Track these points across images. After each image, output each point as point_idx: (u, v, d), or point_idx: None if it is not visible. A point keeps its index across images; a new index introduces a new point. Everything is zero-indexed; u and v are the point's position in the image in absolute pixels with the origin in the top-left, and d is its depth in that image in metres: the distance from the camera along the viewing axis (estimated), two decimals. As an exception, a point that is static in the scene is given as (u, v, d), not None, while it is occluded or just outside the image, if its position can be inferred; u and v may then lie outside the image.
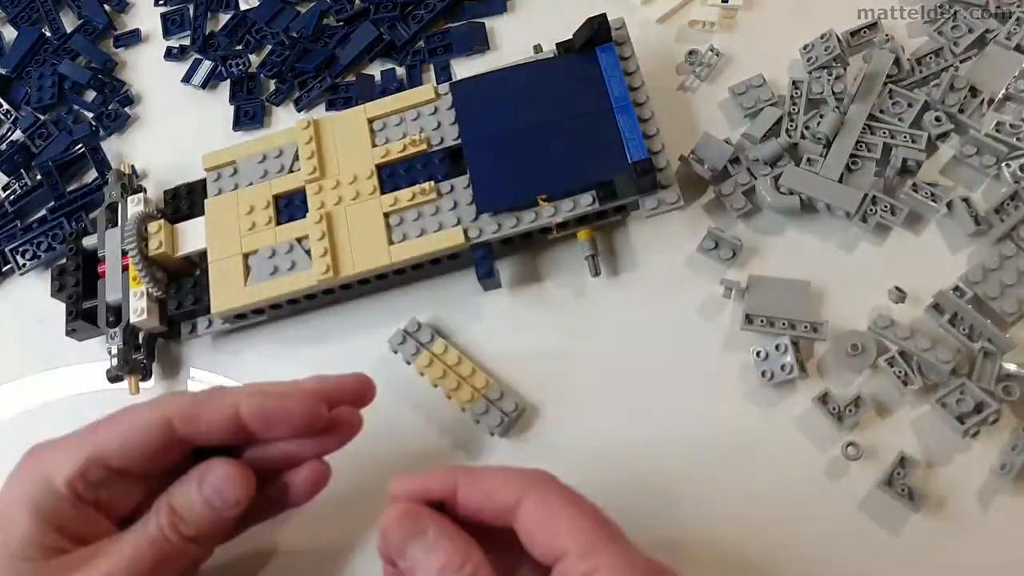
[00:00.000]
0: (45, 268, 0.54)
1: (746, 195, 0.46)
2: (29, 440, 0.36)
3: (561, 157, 0.44)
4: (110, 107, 0.58)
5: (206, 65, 0.58)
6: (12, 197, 0.56)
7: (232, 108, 0.56)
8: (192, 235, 0.47)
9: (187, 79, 0.58)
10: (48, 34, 0.62)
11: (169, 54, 0.59)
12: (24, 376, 0.51)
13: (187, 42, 0.60)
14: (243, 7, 0.60)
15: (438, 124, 0.47)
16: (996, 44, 0.47)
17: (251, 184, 0.48)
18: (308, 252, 0.45)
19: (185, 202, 0.49)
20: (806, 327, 0.42)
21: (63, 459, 0.33)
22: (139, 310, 0.46)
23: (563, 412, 0.44)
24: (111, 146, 0.57)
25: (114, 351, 0.46)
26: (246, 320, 0.47)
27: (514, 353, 0.45)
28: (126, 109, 0.58)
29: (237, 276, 0.45)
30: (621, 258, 0.46)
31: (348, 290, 0.46)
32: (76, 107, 0.59)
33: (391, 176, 0.46)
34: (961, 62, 0.47)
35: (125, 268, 0.47)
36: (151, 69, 0.60)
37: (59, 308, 0.49)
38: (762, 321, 0.42)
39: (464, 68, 0.55)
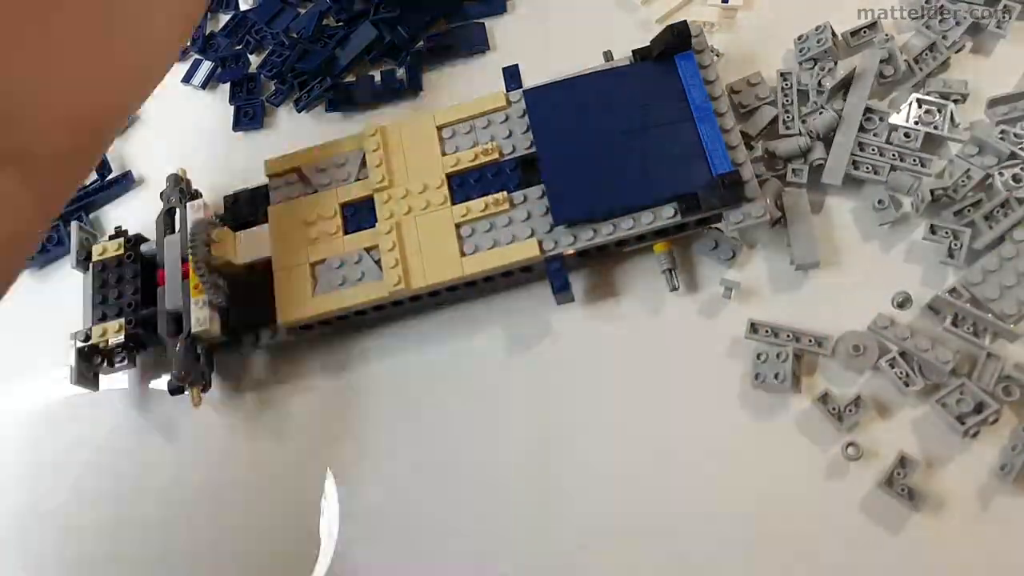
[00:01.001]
0: (40, 268, 0.54)
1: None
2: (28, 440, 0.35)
3: (640, 168, 0.43)
4: None
5: (206, 65, 0.58)
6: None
7: (232, 108, 0.56)
8: (255, 242, 0.46)
9: (187, 79, 0.58)
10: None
11: (169, 54, 0.59)
12: (24, 374, 0.51)
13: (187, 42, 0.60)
14: (243, 7, 0.60)
15: (509, 132, 0.46)
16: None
17: (316, 192, 0.47)
18: (378, 263, 0.44)
19: (247, 208, 0.48)
20: (811, 340, 0.42)
21: None
22: (202, 319, 0.44)
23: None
24: (111, 146, 0.57)
25: (174, 361, 0.45)
26: (310, 331, 0.46)
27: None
28: (125, 110, 0.58)
29: (304, 286, 0.44)
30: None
31: (416, 302, 0.45)
32: None
33: (461, 185, 0.45)
34: (958, 51, 0.47)
35: (185, 276, 0.46)
36: (151, 69, 0.60)
37: (61, 308, 0.49)
38: (767, 331, 0.42)
39: (464, 68, 0.55)
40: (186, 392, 0.45)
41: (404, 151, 0.47)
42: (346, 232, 0.45)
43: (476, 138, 0.46)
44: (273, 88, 0.57)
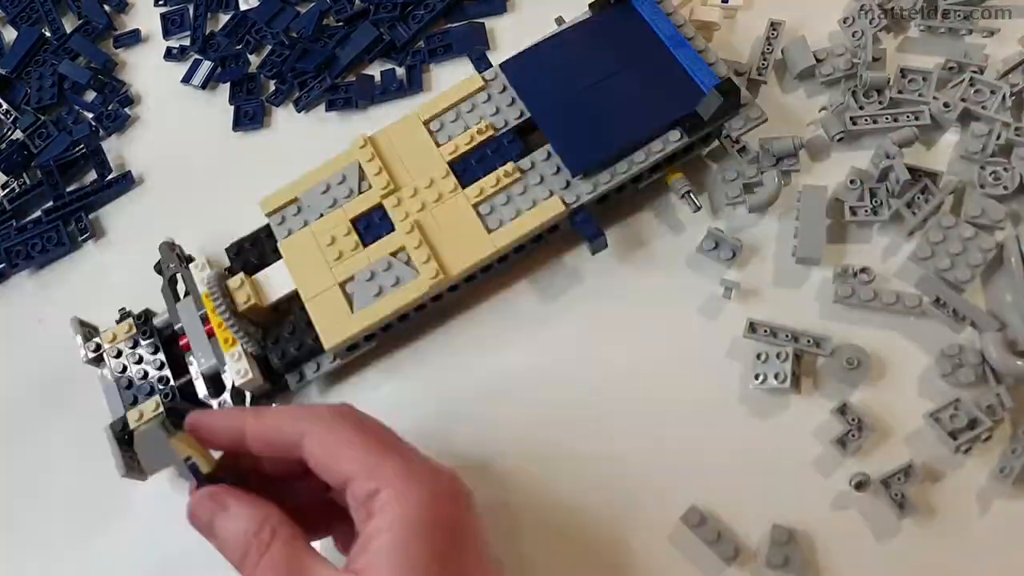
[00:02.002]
0: (38, 268, 0.54)
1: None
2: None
3: (634, 104, 0.45)
4: (110, 107, 0.58)
5: (206, 65, 0.58)
6: (10, 196, 0.56)
7: (232, 108, 0.56)
8: (275, 281, 0.46)
9: (187, 79, 0.58)
10: (48, 34, 0.62)
11: (169, 54, 0.59)
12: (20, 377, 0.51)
13: (187, 42, 0.60)
14: (243, 7, 0.60)
15: (496, 109, 0.47)
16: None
17: (321, 216, 0.46)
18: (408, 263, 0.44)
19: (252, 254, 0.47)
20: (809, 340, 0.42)
21: None
22: (242, 371, 0.43)
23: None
24: (111, 146, 0.57)
25: None
26: (356, 351, 0.45)
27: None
28: (126, 109, 0.58)
29: (340, 307, 0.44)
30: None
31: (454, 291, 0.45)
32: (76, 107, 0.59)
33: (466, 170, 0.46)
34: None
35: (211, 334, 0.45)
36: (151, 69, 0.60)
37: (57, 307, 0.49)
38: (765, 331, 0.42)
39: (464, 68, 0.55)
40: None
41: (399, 153, 0.47)
42: (365, 244, 0.45)
43: (465, 122, 0.47)
44: (273, 88, 0.57)
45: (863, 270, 0.43)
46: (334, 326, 0.43)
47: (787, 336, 0.42)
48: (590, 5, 0.48)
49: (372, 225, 0.46)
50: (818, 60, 0.48)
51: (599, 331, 0.45)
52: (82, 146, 0.56)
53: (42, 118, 0.59)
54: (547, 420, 0.44)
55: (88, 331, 0.48)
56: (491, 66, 0.48)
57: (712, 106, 0.43)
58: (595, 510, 0.42)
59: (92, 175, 0.56)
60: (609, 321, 0.46)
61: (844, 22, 0.50)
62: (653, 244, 0.47)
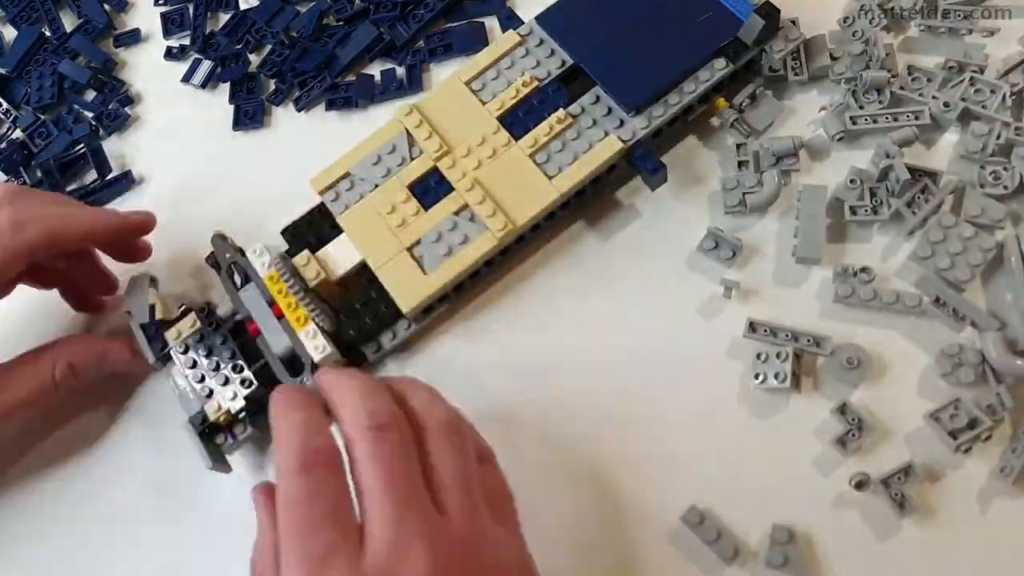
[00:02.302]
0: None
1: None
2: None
3: (675, 39, 0.46)
4: (110, 107, 0.58)
5: (206, 65, 0.58)
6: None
7: (232, 108, 0.56)
8: (340, 255, 0.46)
9: (187, 79, 0.58)
10: (48, 34, 0.62)
11: (169, 54, 0.59)
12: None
13: (187, 42, 0.60)
14: (243, 7, 0.60)
15: (536, 62, 0.48)
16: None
17: (376, 187, 0.47)
18: (472, 220, 0.45)
19: (310, 234, 0.47)
20: (809, 340, 0.42)
21: None
22: (320, 347, 0.43)
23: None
24: (111, 146, 0.57)
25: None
26: (431, 314, 0.46)
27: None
28: (126, 109, 0.58)
29: (412, 271, 0.44)
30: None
31: (520, 243, 0.46)
32: (76, 107, 0.59)
33: (515, 123, 0.47)
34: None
35: (280, 316, 0.44)
36: (151, 69, 0.60)
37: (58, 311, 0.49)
38: (765, 331, 0.42)
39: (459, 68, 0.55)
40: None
41: (446, 117, 0.47)
42: (426, 208, 0.46)
43: (507, 79, 0.48)
44: (273, 87, 0.57)
45: (863, 270, 0.43)
46: (408, 290, 0.44)
47: (787, 336, 0.42)
48: None
49: (429, 189, 0.46)
50: (833, 59, 0.48)
51: (597, 330, 0.45)
52: (82, 146, 0.56)
53: (42, 118, 0.59)
54: (546, 418, 0.44)
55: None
56: (523, 23, 0.50)
57: (755, 29, 0.45)
58: (594, 509, 0.42)
59: (92, 175, 0.56)
60: (607, 320, 0.45)
61: (844, 21, 0.50)
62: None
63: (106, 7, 0.62)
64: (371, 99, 0.54)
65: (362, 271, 0.46)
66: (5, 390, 0.43)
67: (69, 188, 0.56)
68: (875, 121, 0.46)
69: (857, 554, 0.39)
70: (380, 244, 0.45)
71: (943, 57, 0.47)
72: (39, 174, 0.56)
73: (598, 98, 0.46)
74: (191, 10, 0.61)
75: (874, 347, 0.42)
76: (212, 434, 0.45)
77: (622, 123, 0.46)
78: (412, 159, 0.47)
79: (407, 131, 0.47)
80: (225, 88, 0.57)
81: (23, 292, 0.47)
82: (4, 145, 0.58)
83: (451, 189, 0.46)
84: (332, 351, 0.43)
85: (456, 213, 0.45)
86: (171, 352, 0.46)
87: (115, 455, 0.48)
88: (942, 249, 0.42)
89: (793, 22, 0.47)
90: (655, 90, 0.45)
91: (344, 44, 0.56)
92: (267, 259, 0.45)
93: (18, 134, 0.58)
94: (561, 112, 0.46)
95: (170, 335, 0.46)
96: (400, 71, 0.55)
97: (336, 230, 0.47)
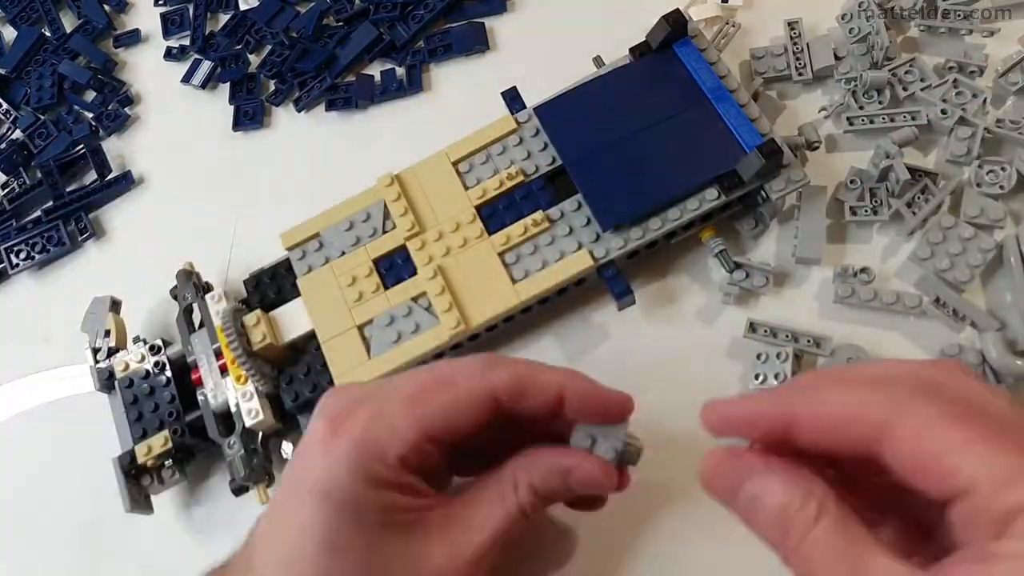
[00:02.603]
0: (39, 268, 0.54)
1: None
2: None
3: (672, 158, 0.44)
4: (110, 107, 0.58)
5: (206, 65, 0.58)
6: (11, 195, 0.56)
7: (232, 108, 0.56)
8: (292, 319, 0.45)
9: (187, 79, 0.58)
10: (48, 34, 0.62)
11: (169, 54, 0.59)
12: (23, 376, 0.51)
13: (187, 42, 0.60)
14: (243, 7, 0.60)
15: (528, 153, 0.46)
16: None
17: (343, 253, 0.45)
18: (429, 310, 0.43)
19: (271, 288, 0.46)
20: (809, 340, 0.42)
21: (390, 435, 0.31)
22: (253, 412, 0.42)
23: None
24: (111, 146, 0.57)
25: (234, 460, 0.42)
26: None
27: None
28: (126, 109, 0.58)
29: (357, 351, 0.43)
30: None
31: (475, 340, 0.44)
32: (76, 107, 0.59)
33: (493, 215, 0.45)
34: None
35: (224, 371, 0.44)
36: (151, 69, 0.60)
37: (57, 311, 0.49)
38: (765, 331, 0.42)
39: (465, 68, 0.55)
40: (251, 490, 0.42)
41: (426, 194, 0.46)
42: (387, 287, 0.44)
43: (495, 165, 0.46)
44: (273, 88, 0.57)
45: (863, 270, 0.43)
46: (350, 371, 0.42)
47: (787, 336, 0.42)
48: (630, 50, 0.47)
49: (395, 267, 0.45)
50: (838, 58, 0.48)
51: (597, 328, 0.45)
52: (82, 146, 0.56)
53: (42, 118, 0.59)
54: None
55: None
56: (524, 107, 0.47)
57: (753, 167, 0.41)
58: (593, 512, 0.42)
59: (92, 175, 0.56)
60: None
61: (843, 18, 0.50)
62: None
63: (106, 8, 0.62)
64: (371, 99, 0.54)
65: (313, 336, 0.44)
66: (468, 529, 0.32)
67: (69, 188, 0.56)
68: (872, 122, 0.46)
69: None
70: (333, 316, 0.44)
71: (943, 57, 0.47)
72: (38, 174, 0.56)
73: (580, 205, 0.44)
74: (191, 10, 0.61)
75: (874, 347, 0.42)
76: (139, 475, 0.44)
77: (598, 237, 0.43)
78: (384, 232, 0.45)
79: (385, 202, 0.46)
80: (225, 88, 0.57)
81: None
82: (4, 145, 0.58)
83: (415, 272, 0.44)
84: (264, 418, 0.42)
85: (414, 299, 0.43)
86: (115, 383, 0.45)
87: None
88: (941, 250, 0.42)
89: (792, 24, 0.47)
90: (637, 212, 0.43)
91: (344, 44, 0.56)
92: (222, 308, 0.44)
93: (18, 134, 0.58)
94: (540, 214, 0.44)
95: (118, 365, 0.46)
96: (400, 71, 0.55)
97: (298, 289, 0.45)
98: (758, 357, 0.42)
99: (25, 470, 0.48)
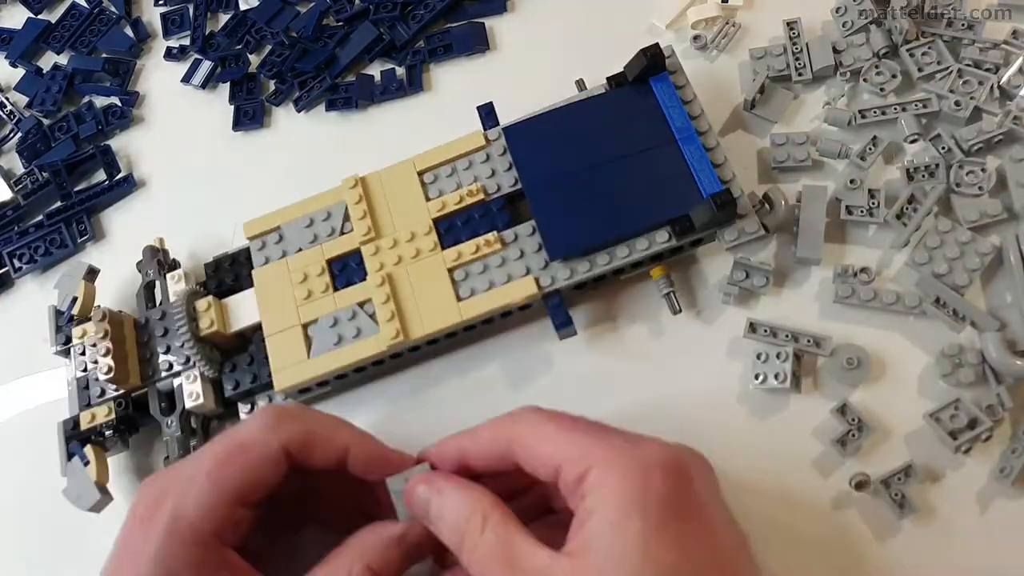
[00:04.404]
0: (42, 271, 0.54)
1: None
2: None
3: (629, 195, 0.43)
4: (121, 97, 0.58)
5: (206, 65, 0.58)
6: (24, 191, 0.56)
7: (232, 108, 0.56)
8: (243, 309, 0.45)
9: (187, 79, 0.58)
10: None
11: (169, 54, 0.60)
12: (22, 378, 0.51)
13: (187, 42, 0.60)
14: (243, 7, 0.60)
15: (492, 172, 0.45)
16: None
17: (300, 250, 0.45)
18: (372, 317, 0.43)
19: (229, 274, 0.47)
20: (809, 340, 0.42)
21: (199, 513, 0.33)
22: (194, 394, 0.43)
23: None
24: (112, 145, 0.57)
25: (170, 440, 0.43)
26: (310, 393, 0.45)
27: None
28: (130, 108, 0.58)
29: (298, 348, 0.43)
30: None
31: (416, 351, 0.44)
32: (90, 96, 0.59)
33: (450, 230, 0.44)
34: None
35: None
36: (151, 69, 0.60)
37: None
38: (765, 331, 0.42)
39: (465, 68, 0.55)
40: None
41: (387, 200, 0.46)
42: (336, 288, 0.44)
43: (459, 180, 0.46)
44: (273, 88, 0.57)
45: (863, 270, 0.43)
46: (288, 368, 0.43)
47: (787, 336, 0.42)
48: (608, 79, 0.46)
49: (347, 269, 0.45)
50: (837, 52, 0.49)
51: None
52: (91, 147, 0.56)
53: (45, 122, 0.58)
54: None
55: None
56: (498, 124, 0.47)
57: (705, 215, 0.41)
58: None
59: (92, 178, 0.56)
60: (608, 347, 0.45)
61: (836, 11, 0.50)
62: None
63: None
64: (371, 99, 0.54)
65: (260, 328, 0.44)
66: None
67: (76, 189, 0.56)
68: (884, 112, 0.46)
69: (857, 554, 0.39)
70: (280, 311, 0.44)
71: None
72: (44, 175, 0.56)
73: (534, 231, 0.44)
74: (191, 10, 0.61)
75: (874, 347, 0.42)
76: (81, 443, 0.44)
77: (547, 265, 0.43)
78: (342, 233, 0.45)
79: (347, 204, 0.46)
80: (225, 88, 0.57)
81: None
82: (22, 133, 0.58)
83: (365, 277, 0.44)
84: (204, 402, 0.43)
85: (361, 304, 0.43)
86: (70, 348, 0.46)
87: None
88: (939, 254, 0.42)
89: (791, 24, 0.47)
90: (586, 246, 0.42)
91: (344, 44, 0.56)
92: (180, 289, 0.45)
93: (28, 125, 0.58)
94: (493, 235, 0.43)
95: (76, 331, 0.46)
96: (400, 71, 0.55)
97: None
98: (758, 357, 0.42)
99: (26, 470, 0.48)
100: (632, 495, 0.29)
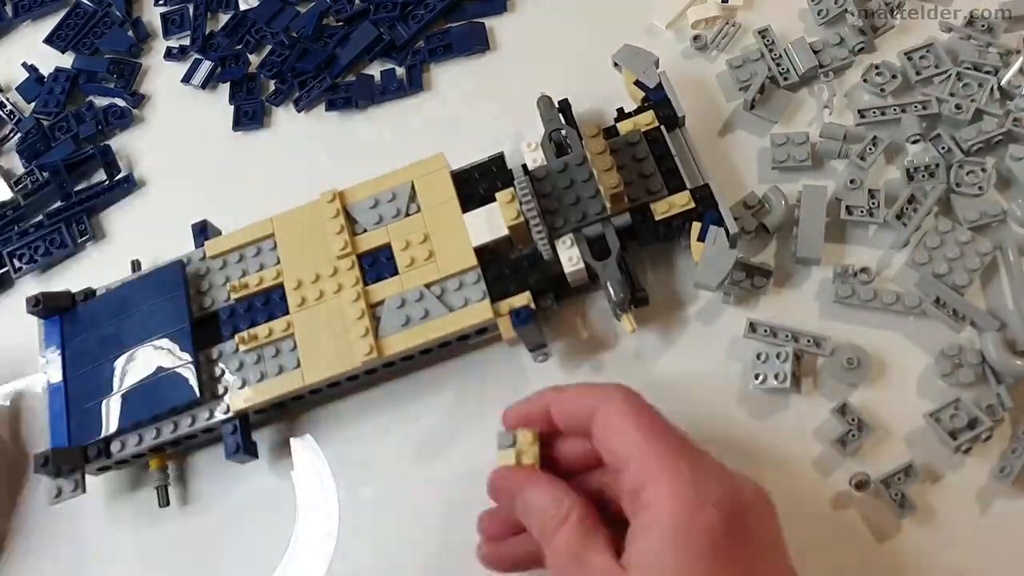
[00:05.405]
0: (42, 272, 0.54)
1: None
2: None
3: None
4: (125, 95, 0.58)
5: (206, 65, 0.58)
6: (24, 191, 0.56)
7: (232, 108, 0.56)
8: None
9: (187, 79, 0.58)
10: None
11: (169, 54, 0.60)
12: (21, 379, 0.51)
13: (187, 42, 0.60)
14: (243, 7, 0.60)
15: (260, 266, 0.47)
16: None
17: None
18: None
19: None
20: (809, 340, 0.42)
21: None
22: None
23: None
24: (112, 145, 0.57)
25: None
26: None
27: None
28: (132, 109, 0.58)
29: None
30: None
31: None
32: (94, 97, 0.59)
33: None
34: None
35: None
36: (151, 69, 0.60)
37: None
38: (765, 331, 0.42)
39: (465, 67, 0.55)
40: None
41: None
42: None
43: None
44: (273, 88, 0.57)
45: (863, 270, 0.43)
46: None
47: (787, 336, 0.42)
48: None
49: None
50: (815, 51, 0.49)
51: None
52: (91, 147, 0.56)
53: (45, 123, 0.58)
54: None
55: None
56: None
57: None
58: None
59: (95, 177, 0.56)
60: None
61: (812, 0, 0.50)
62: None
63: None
64: (371, 99, 0.54)
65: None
66: None
67: (76, 189, 0.56)
68: (883, 113, 0.46)
69: (857, 554, 0.39)
70: None
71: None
72: (45, 175, 0.56)
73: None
74: (191, 10, 0.61)
75: (874, 347, 0.42)
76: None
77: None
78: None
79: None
80: (225, 88, 0.57)
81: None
82: (23, 133, 0.58)
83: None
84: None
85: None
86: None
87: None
88: (939, 255, 0.42)
89: (762, 32, 0.48)
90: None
91: (344, 44, 0.56)
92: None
93: (29, 125, 0.58)
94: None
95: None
96: (400, 71, 0.55)
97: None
98: (758, 357, 0.42)
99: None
100: (681, 526, 0.30)
